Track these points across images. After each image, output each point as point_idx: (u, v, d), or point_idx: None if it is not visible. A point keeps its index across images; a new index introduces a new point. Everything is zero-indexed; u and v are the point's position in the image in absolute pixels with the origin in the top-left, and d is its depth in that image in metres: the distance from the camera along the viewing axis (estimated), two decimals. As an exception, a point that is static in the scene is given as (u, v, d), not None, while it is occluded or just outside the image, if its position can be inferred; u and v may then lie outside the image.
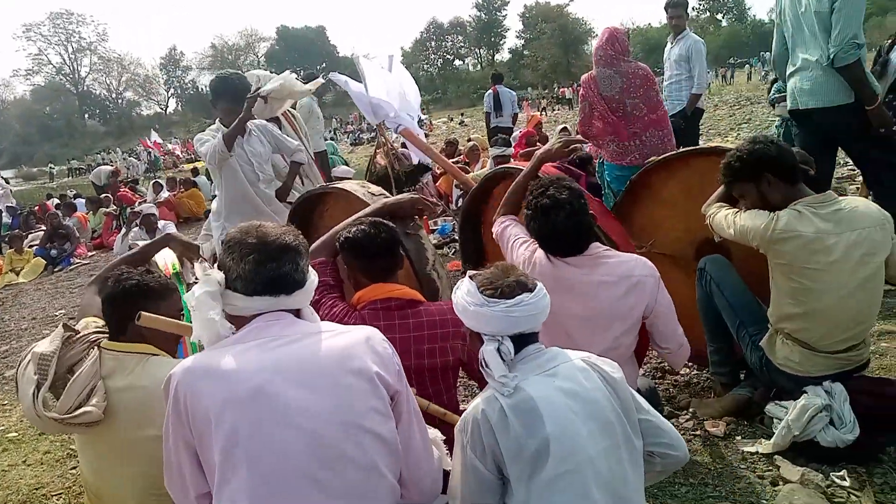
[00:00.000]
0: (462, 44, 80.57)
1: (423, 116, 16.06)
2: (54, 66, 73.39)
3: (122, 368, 2.09)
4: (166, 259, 2.83)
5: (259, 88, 4.36)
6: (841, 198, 2.63)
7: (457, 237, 7.14)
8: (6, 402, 4.73)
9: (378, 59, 7.02)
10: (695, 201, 3.16)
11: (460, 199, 7.57)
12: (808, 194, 2.63)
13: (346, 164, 11.86)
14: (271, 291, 1.63)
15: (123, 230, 9.61)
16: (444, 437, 1.99)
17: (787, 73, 4.31)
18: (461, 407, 2.47)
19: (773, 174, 2.63)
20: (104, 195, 12.96)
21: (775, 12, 4.47)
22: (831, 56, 3.86)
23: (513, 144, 8.30)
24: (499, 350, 1.75)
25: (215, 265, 1.74)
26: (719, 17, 75.40)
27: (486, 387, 1.79)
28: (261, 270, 1.62)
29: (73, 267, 9.74)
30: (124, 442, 2.05)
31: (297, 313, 1.72)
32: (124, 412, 2.04)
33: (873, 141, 4.01)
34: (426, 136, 9.39)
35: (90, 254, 10.57)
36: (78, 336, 2.21)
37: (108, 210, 11.63)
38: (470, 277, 1.88)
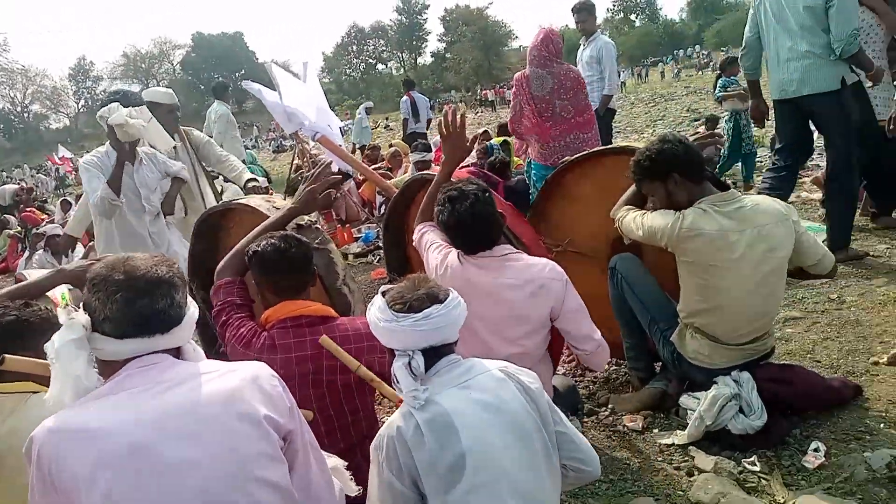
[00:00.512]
0: (384, 48, 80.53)
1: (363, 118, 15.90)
2: (-55, 80, 69.33)
3: (1, 411, 1.92)
4: (55, 293, 2.63)
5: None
6: (744, 196, 2.72)
7: (381, 245, 7.09)
8: None
9: (296, 65, 6.93)
10: (608, 199, 3.22)
11: (383, 206, 7.52)
12: (712, 193, 2.71)
13: (266, 174, 11.63)
14: (144, 332, 1.47)
15: (27, 253, 9.09)
16: (346, 464, 1.93)
17: (769, 63, 4.71)
18: (381, 421, 2.43)
19: (680, 174, 2.70)
20: (4, 216, 12.21)
21: (752, 4, 4.82)
22: (838, 50, 4.26)
23: (433, 149, 8.30)
24: (409, 365, 1.72)
25: (81, 305, 1.55)
26: (633, 17, 77.98)
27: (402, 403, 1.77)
28: (130, 309, 1.45)
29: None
30: (10, 489, 1.89)
31: (176, 352, 1.58)
32: (8, 458, 1.88)
33: (846, 129, 4.47)
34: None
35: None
36: None
37: (11, 232, 10.98)
38: (382, 293, 1.85)
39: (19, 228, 10.98)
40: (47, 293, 2.57)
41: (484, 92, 44.81)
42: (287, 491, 1.50)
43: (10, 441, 1.86)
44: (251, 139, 34.33)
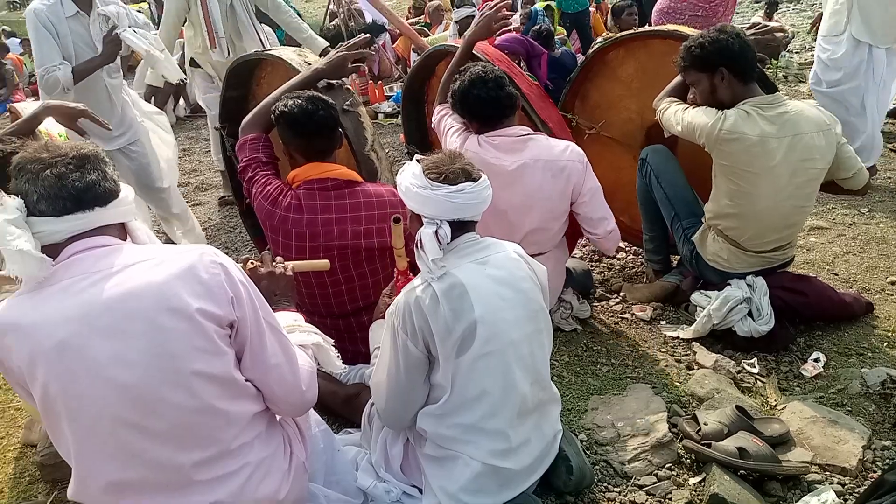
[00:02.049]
0: None
1: None
2: None
3: None
4: (49, 128, 2.58)
5: (113, 28, 3.47)
6: (789, 101, 2.60)
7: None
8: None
9: None
10: (649, 85, 3.11)
11: (417, 65, 7.28)
12: (758, 94, 2.59)
13: (300, 14, 11.19)
14: (82, 206, 1.42)
15: None
16: (332, 341, 1.93)
17: None
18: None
19: (728, 69, 2.57)
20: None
21: None
22: None
23: (477, 6, 7.89)
24: (436, 233, 1.77)
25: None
26: None
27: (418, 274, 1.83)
28: (64, 183, 1.40)
29: (9, 114, 9.15)
30: None
31: (123, 235, 1.54)
32: None
33: None
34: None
35: (28, 100, 9.97)
36: None
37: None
38: (417, 160, 1.88)
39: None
40: (39, 128, 2.56)
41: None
42: (230, 380, 1.49)
43: None
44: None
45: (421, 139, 3.83)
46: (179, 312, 1.40)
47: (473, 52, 2.99)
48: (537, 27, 5.53)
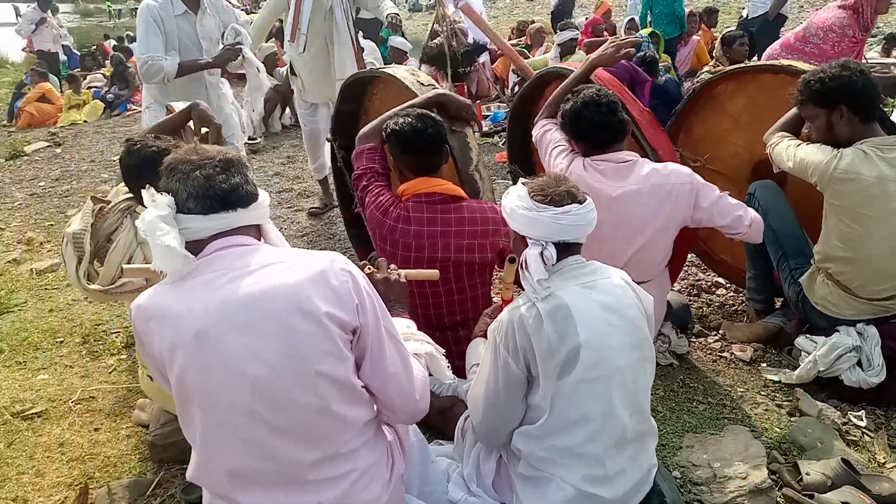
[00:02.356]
0: None
1: None
2: None
3: None
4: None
5: (238, 44, 3.77)
6: None
7: (506, 129, 7.00)
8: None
9: None
10: (758, 120, 3.04)
11: (517, 87, 7.35)
12: (878, 135, 2.49)
13: (403, 34, 11.49)
14: (227, 206, 1.52)
15: None
16: (444, 351, 1.98)
17: None
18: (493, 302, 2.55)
19: (849, 107, 2.49)
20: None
21: None
22: None
23: (580, 30, 7.90)
24: (542, 254, 1.79)
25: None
26: None
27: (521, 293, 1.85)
28: (212, 184, 1.50)
29: (129, 113, 9.83)
30: None
31: (258, 235, 1.63)
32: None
33: None
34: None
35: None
36: (110, 206, 2.27)
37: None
38: (522, 183, 1.92)
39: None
40: (186, 127, 2.76)
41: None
42: (349, 385, 1.55)
43: None
44: (389, -7, 33.47)
45: (524, 160, 3.86)
46: (310, 315, 1.46)
47: None
48: (642, 54, 5.49)
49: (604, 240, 2.59)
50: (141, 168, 2.17)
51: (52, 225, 5.46)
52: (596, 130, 2.61)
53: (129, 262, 2.09)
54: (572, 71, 3.06)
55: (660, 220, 2.58)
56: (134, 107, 10.00)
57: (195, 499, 2.14)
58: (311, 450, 1.52)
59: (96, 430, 2.70)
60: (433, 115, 2.54)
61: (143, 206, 2.01)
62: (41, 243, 5.01)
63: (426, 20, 25.26)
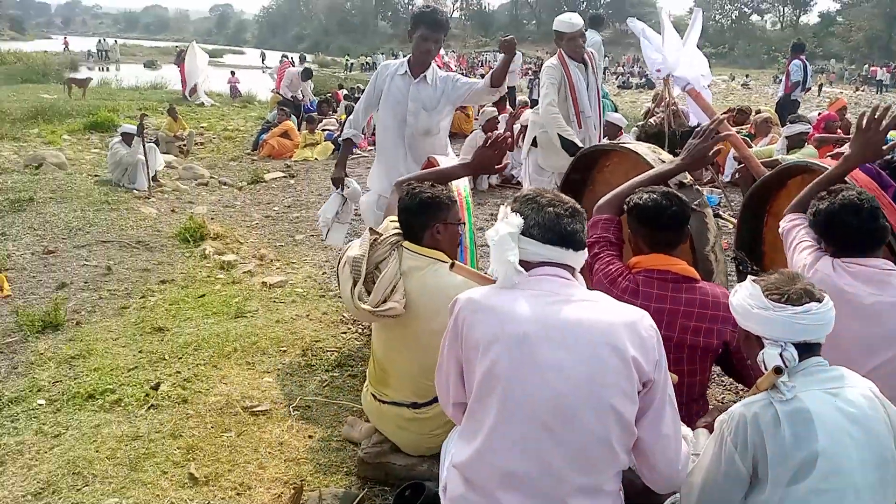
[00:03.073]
0: (765, -2, 72.64)
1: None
2: (362, -35, 79.41)
3: (417, 269, 2.42)
4: (459, 185, 3.05)
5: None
6: None
7: (721, 212, 6.75)
8: (295, 261, 5.57)
9: (667, 2, 6.82)
10: None
11: (737, 173, 7.10)
12: None
13: (616, 109, 11.62)
14: (563, 244, 1.74)
15: None
16: (692, 432, 2.03)
17: None
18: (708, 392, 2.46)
19: None
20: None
21: None
22: None
23: (813, 123, 7.50)
24: (781, 355, 1.72)
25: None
26: None
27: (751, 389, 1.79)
28: (560, 222, 1.74)
29: (354, 156, 10.77)
30: (411, 332, 2.41)
31: (574, 275, 1.81)
32: (414, 308, 2.35)
33: None
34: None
35: (370, 147, 11.64)
36: (381, 238, 2.53)
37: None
38: (752, 282, 1.87)
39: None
40: (452, 182, 3.00)
41: (873, 69, 38.40)
42: (631, 428, 1.64)
43: (417, 294, 2.37)
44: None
45: (752, 248, 3.72)
46: (619, 352, 1.61)
47: None
48: (889, 157, 5.08)
49: (846, 345, 2.41)
50: (413, 210, 2.46)
51: (281, 245, 6.12)
52: (852, 235, 2.45)
53: (393, 290, 2.32)
54: (823, 167, 2.92)
55: None
56: (359, 151, 11.00)
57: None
58: (582, 474, 1.61)
59: (310, 437, 2.95)
60: (678, 194, 2.55)
61: (408, 240, 2.26)
62: (272, 260, 5.62)
63: (634, 97, 25.35)
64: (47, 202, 6.85)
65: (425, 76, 3.88)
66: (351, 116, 4.23)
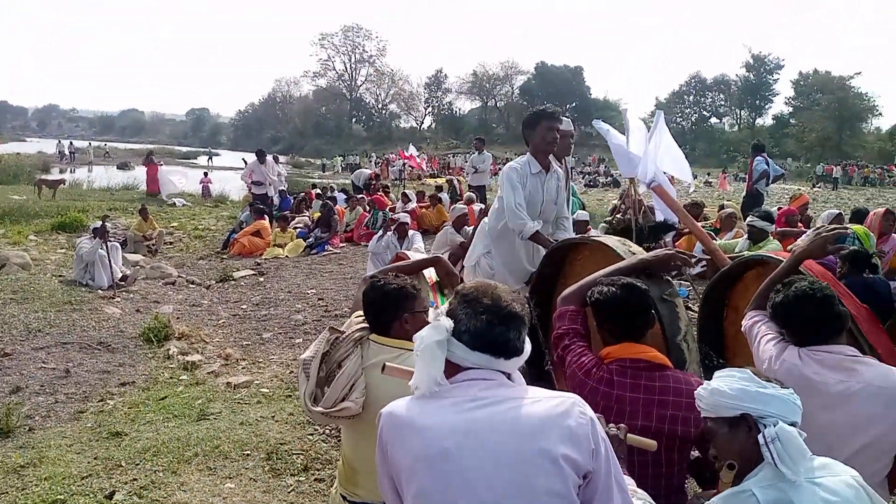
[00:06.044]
0: (723, 102, 76.62)
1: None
2: (336, 73, 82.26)
3: (383, 353, 2.34)
4: (432, 273, 3.06)
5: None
6: None
7: (691, 304, 6.80)
8: (262, 360, 5.43)
9: (630, 105, 7.10)
10: None
11: (705, 267, 7.21)
12: None
13: (583, 207, 11.91)
14: (493, 352, 1.67)
15: (381, 232, 10.17)
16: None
17: None
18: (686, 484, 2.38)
19: None
20: (360, 195, 14.31)
21: None
22: None
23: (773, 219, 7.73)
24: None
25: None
26: None
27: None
28: (490, 331, 1.67)
29: (326, 253, 10.86)
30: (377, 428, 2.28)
31: (507, 375, 1.75)
32: (382, 402, 2.24)
33: None
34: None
35: (341, 244, 11.70)
36: (344, 336, 2.47)
37: (362, 209, 12.83)
38: (731, 374, 1.91)
39: (368, 207, 12.77)
40: (422, 272, 2.99)
41: (828, 167, 40.29)
42: None
43: (382, 387, 2.29)
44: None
45: (714, 340, 3.72)
46: (547, 454, 1.53)
47: None
48: (855, 248, 5.21)
49: (819, 434, 2.38)
50: (379, 302, 2.41)
51: (248, 344, 5.98)
52: (812, 323, 2.48)
53: (351, 388, 2.24)
54: (777, 259, 2.98)
55: (885, 426, 2.33)
56: (330, 248, 11.02)
57: None
58: None
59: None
60: (638, 284, 2.55)
61: (376, 334, 2.20)
62: (238, 360, 5.47)
63: (600, 196, 26.07)
64: (7, 303, 6.67)
65: (552, 168, 4.16)
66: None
